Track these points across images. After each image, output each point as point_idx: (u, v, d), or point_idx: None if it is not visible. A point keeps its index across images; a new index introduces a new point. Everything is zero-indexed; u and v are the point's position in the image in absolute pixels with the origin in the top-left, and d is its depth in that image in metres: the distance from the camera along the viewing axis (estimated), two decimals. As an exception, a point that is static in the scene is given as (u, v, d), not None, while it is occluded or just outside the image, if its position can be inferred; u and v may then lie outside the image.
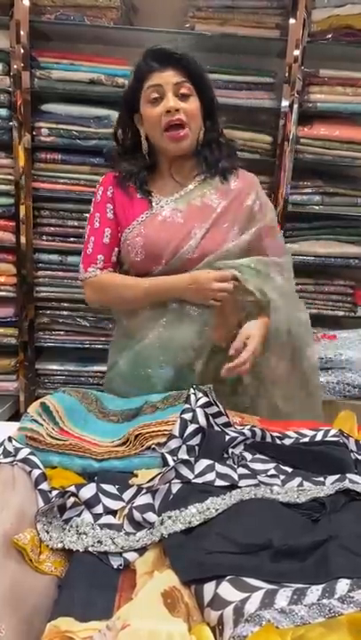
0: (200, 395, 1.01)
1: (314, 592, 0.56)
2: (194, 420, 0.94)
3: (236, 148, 1.40)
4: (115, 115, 2.08)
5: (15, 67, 2.05)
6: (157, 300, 1.27)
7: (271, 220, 1.37)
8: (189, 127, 1.24)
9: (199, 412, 0.96)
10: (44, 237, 2.25)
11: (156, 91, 1.21)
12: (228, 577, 0.60)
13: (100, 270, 1.30)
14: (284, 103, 2.12)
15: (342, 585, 0.57)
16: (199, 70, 1.25)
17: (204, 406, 0.98)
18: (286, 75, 2.09)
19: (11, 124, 2.11)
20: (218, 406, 1.01)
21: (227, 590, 0.58)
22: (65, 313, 2.34)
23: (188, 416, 0.95)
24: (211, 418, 0.98)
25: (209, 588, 0.60)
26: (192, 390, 1.03)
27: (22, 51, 2.03)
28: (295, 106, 2.12)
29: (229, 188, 1.31)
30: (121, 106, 1.32)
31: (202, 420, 0.95)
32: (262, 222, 1.33)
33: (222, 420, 1.00)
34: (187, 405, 0.98)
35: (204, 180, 1.31)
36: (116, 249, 1.31)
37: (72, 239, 2.24)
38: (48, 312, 2.34)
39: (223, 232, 1.27)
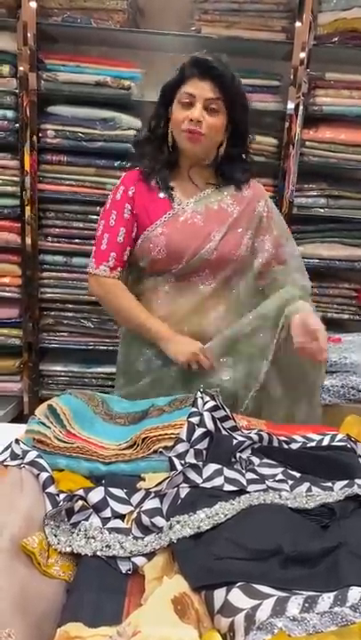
0: (207, 398, 1.01)
1: (325, 600, 0.56)
2: (201, 423, 0.94)
3: (252, 168, 1.45)
4: (121, 117, 2.11)
5: (22, 68, 2.06)
6: (139, 334, 1.38)
7: (280, 230, 1.45)
8: (207, 137, 1.30)
9: (207, 415, 0.95)
10: (49, 239, 2.26)
11: (188, 97, 1.28)
12: (238, 583, 0.60)
13: (110, 270, 1.36)
14: (290, 106, 2.12)
15: (354, 593, 0.57)
16: (235, 89, 1.31)
17: (211, 410, 0.97)
18: (292, 77, 2.09)
19: (17, 125, 2.12)
20: (225, 410, 1.00)
21: (237, 597, 0.58)
22: (69, 314, 2.34)
23: (195, 420, 0.95)
24: (218, 422, 0.97)
25: (219, 595, 0.59)
26: (199, 394, 1.03)
27: (29, 53, 2.04)
28: (301, 108, 2.12)
29: (242, 195, 1.40)
30: (159, 96, 1.37)
31: (209, 424, 0.94)
32: (272, 232, 1.41)
33: (229, 423, 1.00)
34: (194, 409, 0.98)
35: (218, 187, 1.39)
36: (128, 248, 1.37)
37: (77, 240, 2.25)
38: (52, 313, 2.34)
39: (238, 236, 1.37)
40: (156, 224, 1.34)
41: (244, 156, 1.42)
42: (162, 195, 1.36)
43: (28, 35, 2.02)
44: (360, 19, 2.05)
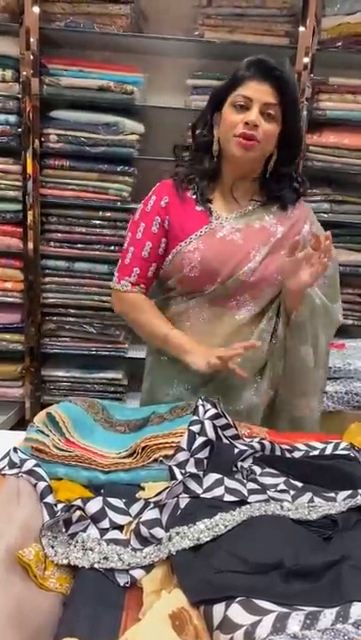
0: (208, 406, 0.99)
1: (327, 616, 0.54)
2: (202, 432, 0.93)
3: (306, 189, 1.36)
4: (124, 121, 2.11)
5: (24, 73, 2.06)
6: (167, 350, 1.27)
7: None
8: (261, 144, 1.20)
9: (207, 424, 0.94)
10: (52, 244, 2.25)
11: (244, 100, 1.18)
12: (238, 598, 0.59)
13: (131, 285, 1.29)
14: (294, 111, 2.11)
15: (357, 609, 0.55)
16: (293, 97, 1.22)
17: (212, 418, 0.96)
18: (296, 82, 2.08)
19: (19, 130, 2.12)
20: (226, 418, 0.99)
21: (237, 613, 0.57)
22: (71, 319, 2.33)
23: (196, 428, 0.93)
24: (219, 430, 0.96)
25: (218, 610, 0.58)
26: (200, 401, 1.02)
27: (32, 57, 2.04)
28: (304, 113, 2.11)
29: (287, 215, 1.29)
30: (207, 101, 1.28)
31: (210, 433, 0.93)
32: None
33: (231, 432, 0.99)
34: (195, 417, 0.97)
35: (263, 204, 1.30)
36: (154, 264, 1.29)
37: (79, 246, 2.24)
38: (54, 318, 2.33)
39: (281, 259, 1.23)
40: (191, 238, 1.23)
41: (294, 174, 1.30)
42: (199, 208, 1.26)
43: (31, 39, 2.02)
44: (364, 23, 2.05)
